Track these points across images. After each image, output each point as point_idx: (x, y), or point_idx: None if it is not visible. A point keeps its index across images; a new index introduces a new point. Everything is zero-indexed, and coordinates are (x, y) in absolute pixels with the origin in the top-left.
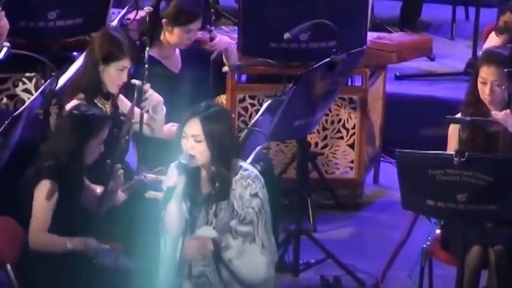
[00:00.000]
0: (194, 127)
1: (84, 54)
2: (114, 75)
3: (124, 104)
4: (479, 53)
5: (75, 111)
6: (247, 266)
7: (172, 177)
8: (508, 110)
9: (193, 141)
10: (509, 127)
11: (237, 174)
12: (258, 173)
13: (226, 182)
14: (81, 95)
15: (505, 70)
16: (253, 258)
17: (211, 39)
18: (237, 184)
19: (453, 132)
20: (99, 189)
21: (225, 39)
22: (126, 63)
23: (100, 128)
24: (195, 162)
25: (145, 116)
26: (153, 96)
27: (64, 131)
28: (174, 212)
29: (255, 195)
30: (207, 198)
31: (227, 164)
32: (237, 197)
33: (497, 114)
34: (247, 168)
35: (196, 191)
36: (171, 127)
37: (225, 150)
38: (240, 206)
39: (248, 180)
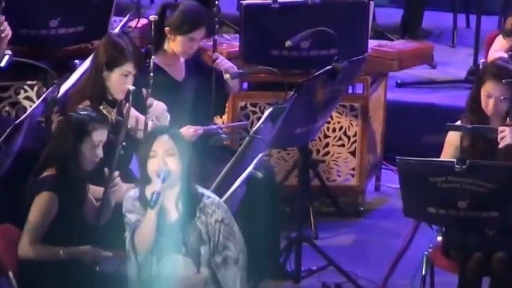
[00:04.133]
0: (164, 143)
1: (85, 62)
2: (118, 80)
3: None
4: (481, 61)
5: (70, 114)
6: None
7: (157, 185)
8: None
9: (165, 156)
10: (509, 139)
11: (200, 202)
12: (219, 200)
13: (195, 198)
14: (87, 102)
15: (503, 81)
16: (235, 277)
17: (214, 59)
18: (203, 212)
19: (450, 139)
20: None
21: (228, 62)
22: (129, 68)
23: (94, 127)
24: (172, 176)
25: (149, 124)
26: (158, 107)
27: (60, 132)
28: (151, 223)
29: (221, 221)
30: (174, 226)
31: (194, 181)
32: (203, 224)
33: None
34: (209, 195)
35: (162, 220)
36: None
37: (193, 166)
38: (206, 233)
39: (212, 207)
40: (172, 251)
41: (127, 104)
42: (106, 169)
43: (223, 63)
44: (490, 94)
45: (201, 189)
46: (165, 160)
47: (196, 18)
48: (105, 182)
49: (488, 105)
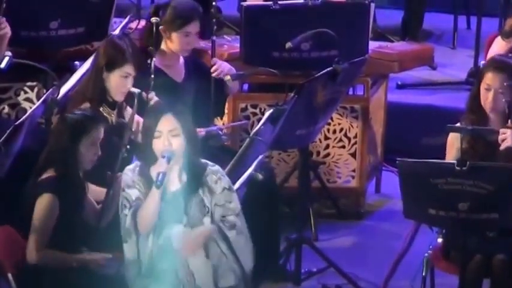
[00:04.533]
0: (169, 123)
1: (85, 63)
2: (118, 82)
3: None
4: (481, 62)
5: (66, 114)
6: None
7: (162, 165)
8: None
9: (170, 136)
10: (510, 142)
11: (205, 169)
12: (222, 169)
13: (200, 171)
14: (87, 104)
15: (505, 84)
16: (243, 249)
17: (212, 64)
18: (207, 179)
19: (452, 141)
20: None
21: (227, 65)
22: (129, 69)
23: (91, 126)
24: (176, 155)
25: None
26: None
27: (57, 133)
28: (155, 202)
29: (229, 189)
30: (176, 196)
31: (199, 154)
32: (207, 192)
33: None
34: (213, 164)
35: (163, 191)
36: None
37: (198, 140)
38: (209, 201)
39: (218, 174)
40: (174, 221)
41: (128, 107)
42: (109, 172)
43: (222, 68)
44: (489, 86)
45: (204, 160)
46: (170, 141)
47: (187, 12)
48: (107, 184)
49: (487, 98)
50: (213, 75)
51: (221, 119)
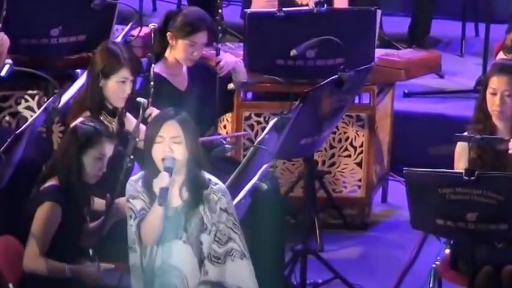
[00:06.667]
0: (172, 129)
1: (87, 71)
2: (116, 87)
3: (131, 122)
4: None
5: (77, 124)
6: (243, 283)
7: (164, 179)
8: None
9: (172, 143)
10: None
11: (207, 187)
12: (225, 187)
13: (201, 186)
14: (87, 113)
15: None
16: (246, 273)
17: (217, 62)
18: (208, 198)
19: (460, 150)
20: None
21: (231, 58)
22: (125, 74)
23: (98, 139)
24: (177, 165)
25: None
26: None
27: (65, 143)
28: (158, 217)
29: (225, 210)
30: (177, 212)
31: (201, 168)
32: (207, 210)
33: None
34: (216, 182)
35: (165, 206)
36: None
37: (200, 153)
38: (209, 220)
39: (219, 194)
40: (173, 237)
41: (127, 114)
42: (108, 195)
43: (226, 61)
44: (494, 90)
45: (207, 175)
46: (171, 147)
47: (197, 21)
48: (106, 206)
49: (494, 103)
50: (221, 74)
51: (232, 111)
